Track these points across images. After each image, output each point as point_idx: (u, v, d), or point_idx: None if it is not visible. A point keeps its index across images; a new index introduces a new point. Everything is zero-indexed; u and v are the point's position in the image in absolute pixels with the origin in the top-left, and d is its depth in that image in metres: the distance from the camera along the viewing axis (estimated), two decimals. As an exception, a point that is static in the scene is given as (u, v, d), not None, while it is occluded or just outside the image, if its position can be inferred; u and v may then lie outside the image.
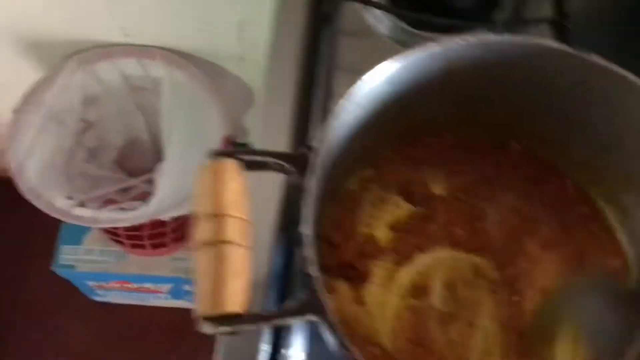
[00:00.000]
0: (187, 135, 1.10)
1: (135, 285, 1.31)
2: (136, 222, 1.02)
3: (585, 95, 0.49)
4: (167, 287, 1.31)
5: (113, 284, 1.31)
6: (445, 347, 0.49)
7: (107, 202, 1.17)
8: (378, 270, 0.51)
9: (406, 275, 0.51)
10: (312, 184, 0.41)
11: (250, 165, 0.42)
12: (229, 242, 0.38)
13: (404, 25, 0.67)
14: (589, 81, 0.47)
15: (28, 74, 1.14)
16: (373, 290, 0.50)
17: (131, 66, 1.14)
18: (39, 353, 1.35)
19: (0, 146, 1.07)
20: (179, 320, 1.26)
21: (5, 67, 1.17)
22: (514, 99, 0.52)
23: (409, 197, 0.54)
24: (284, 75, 0.63)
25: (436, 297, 0.50)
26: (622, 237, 0.53)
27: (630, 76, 0.45)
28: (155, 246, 1.19)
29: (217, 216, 0.39)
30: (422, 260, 0.52)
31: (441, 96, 0.51)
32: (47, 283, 1.31)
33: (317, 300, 0.38)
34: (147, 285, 1.31)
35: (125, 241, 1.20)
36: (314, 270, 0.38)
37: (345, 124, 0.46)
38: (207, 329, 0.37)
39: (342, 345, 0.37)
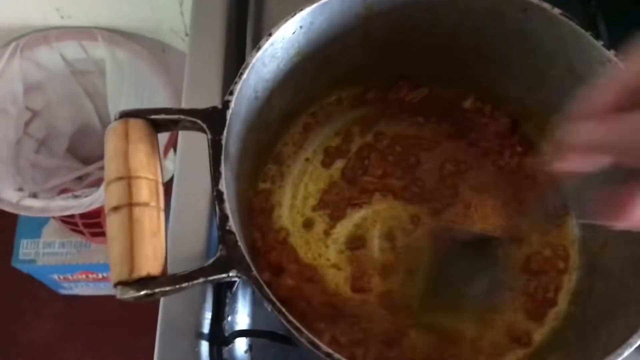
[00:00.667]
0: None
1: (100, 275, 1.28)
2: (88, 209, 1.00)
3: (510, 32, 0.48)
4: (133, 273, 1.29)
5: (78, 276, 1.28)
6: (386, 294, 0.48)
7: (63, 191, 1.14)
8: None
9: (342, 229, 0.50)
10: (227, 140, 0.39)
11: (163, 126, 0.40)
12: (139, 204, 0.36)
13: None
14: (508, 16, 0.46)
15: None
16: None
17: (72, 49, 1.10)
18: (6, 351, 1.32)
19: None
20: (149, 308, 1.24)
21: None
22: (440, 43, 0.51)
23: (339, 153, 0.53)
24: (210, 34, 0.61)
25: (375, 248, 0.50)
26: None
27: (543, 5, 0.44)
28: (94, 235, 1.17)
29: (126, 179, 0.37)
30: (358, 214, 0.51)
31: (362, 44, 0.50)
32: (10, 280, 1.28)
33: (238, 255, 0.36)
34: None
35: (84, 230, 1.17)
36: (231, 226, 0.37)
37: (262, 78, 0.44)
38: (122, 294, 0.35)
39: (268, 300, 0.36)
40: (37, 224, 1.23)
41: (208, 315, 0.50)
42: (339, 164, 0.53)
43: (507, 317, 0.48)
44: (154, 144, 0.39)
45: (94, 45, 1.09)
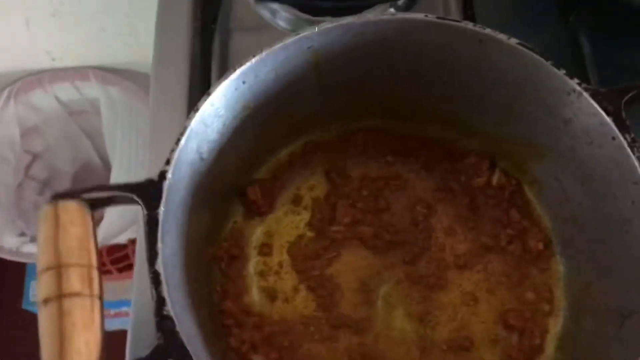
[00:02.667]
0: (132, 152, 1.07)
1: (112, 312, 1.29)
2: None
3: (468, 66, 0.45)
4: (145, 306, 1.29)
5: (91, 313, 1.28)
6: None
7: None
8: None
9: (312, 285, 0.48)
10: (163, 215, 0.37)
11: (97, 204, 0.38)
12: (70, 295, 0.35)
13: (301, 14, 0.63)
14: (464, 49, 0.43)
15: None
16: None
17: (65, 91, 1.11)
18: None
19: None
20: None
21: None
22: (399, 80, 0.48)
23: (299, 201, 0.50)
24: (172, 82, 0.59)
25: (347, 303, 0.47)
26: (541, 212, 0.49)
27: (499, 36, 0.41)
28: (121, 270, 1.16)
29: (55, 268, 0.35)
30: (329, 269, 0.48)
31: (317, 88, 0.47)
32: (22, 322, 1.28)
33: (176, 343, 0.34)
34: (125, 309, 1.28)
35: (110, 267, 1.17)
36: (169, 311, 0.35)
37: (205, 139, 0.42)
38: (54, 395, 0.33)
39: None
40: (47, 265, 1.23)
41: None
42: (305, 214, 0.50)
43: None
44: (88, 225, 0.38)
45: (87, 84, 1.09)
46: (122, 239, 1.05)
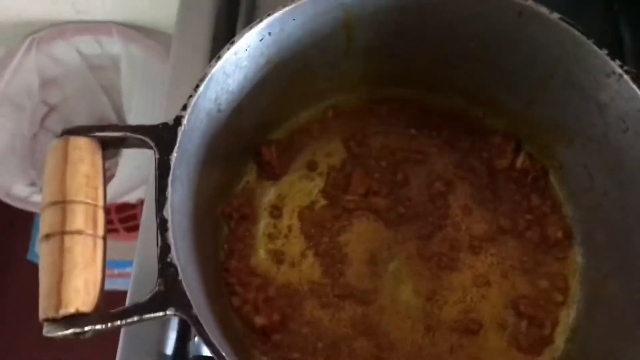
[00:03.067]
0: (149, 110, 1.06)
1: (116, 271, 1.28)
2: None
3: (504, 38, 0.43)
4: (150, 268, 1.29)
5: (95, 270, 1.29)
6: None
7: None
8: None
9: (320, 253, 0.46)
10: (175, 161, 0.36)
11: (108, 143, 0.37)
12: (72, 232, 0.33)
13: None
14: (502, 20, 0.41)
15: (-16, 59, 1.10)
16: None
17: (88, 44, 1.09)
18: (24, 343, 1.33)
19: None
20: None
21: (-42, 52, 1.13)
22: (430, 50, 0.47)
23: (314, 167, 0.49)
24: (196, 32, 0.57)
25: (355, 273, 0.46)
26: (563, 200, 0.48)
27: (540, 9, 0.39)
28: (129, 229, 1.16)
29: (60, 203, 0.34)
30: (338, 237, 0.47)
31: (345, 50, 0.46)
32: (27, 274, 1.28)
33: (177, 291, 0.33)
34: (129, 269, 1.28)
35: (119, 226, 1.16)
36: (173, 258, 0.34)
37: (225, 90, 0.41)
38: (49, 332, 0.32)
39: (206, 341, 0.33)
40: (55, 218, 1.23)
41: (173, 335, 0.47)
42: (319, 181, 0.49)
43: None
44: (97, 164, 0.36)
45: (110, 40, 1.08)
46: (132, 197, 1.04)
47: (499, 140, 0.49)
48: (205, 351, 0.47)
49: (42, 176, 0.36)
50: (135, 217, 1.14)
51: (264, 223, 0.48)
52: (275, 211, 0.48)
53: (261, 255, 0.47)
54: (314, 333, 0.44)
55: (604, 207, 0.44)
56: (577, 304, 0.45)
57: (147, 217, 0.51)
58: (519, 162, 0.48)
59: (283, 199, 0.48)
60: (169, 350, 0.47)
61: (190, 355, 0.47)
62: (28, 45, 1.06)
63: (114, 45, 1.07)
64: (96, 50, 1.10)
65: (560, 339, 0.44)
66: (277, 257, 0.46)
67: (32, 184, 1.07)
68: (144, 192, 1.03)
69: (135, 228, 1.17)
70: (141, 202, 1.09)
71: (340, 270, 0.46)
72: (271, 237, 0.47)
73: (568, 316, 0.45)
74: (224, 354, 0.32)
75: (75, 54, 1.10)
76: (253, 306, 0.44)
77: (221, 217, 0.47)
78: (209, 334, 0.33)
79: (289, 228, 0.47)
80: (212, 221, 0.46)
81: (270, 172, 0.48)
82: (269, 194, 0.48)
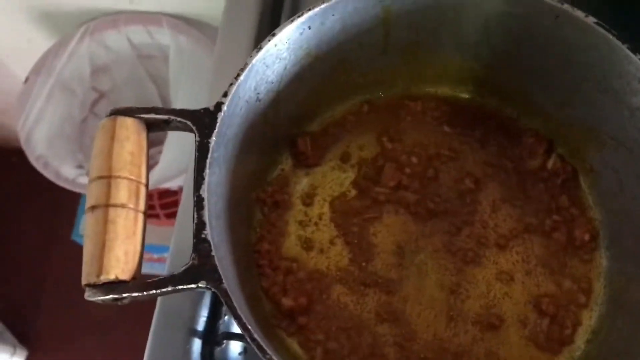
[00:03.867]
0: (194, 101, 1.09)
1: (156, 256, 1.32)
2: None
3: (540, 40, 0.44)
4: (187, 254, 1.32)
5: (135, 255, 1.32)
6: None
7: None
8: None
9: (349, 242, 0.48)
10: (217, 143, 0.38)
11: (154, 125, 0.40)
12: (116, 205, 0.36)
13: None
14: (538, 22, 0.42)
15: (40, 44, 1.15)
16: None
17: (138, 34, 1.13)
18: (65, 321, 1.38)
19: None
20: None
21: (19, 37, 1.18)
22: (466, 48, 0.48)
23: (347, 159, 0.50)
24: (242, 24, 0.59)
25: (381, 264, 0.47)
26: (592, 203, 0.48)
27: (577, 13, 0.40)
28: (168, 216, 1.19)
29: (107, 178, 0.37)
30: (367, 228, 0.48)
31: (383, 46, 0.47)
32: (71, 254, 1.34)
33: (210, 266, 0.35)
34: (167, 254, 1.31)
35: (160, 211, 1.20)
36: (207, 235, 0.36)
37: (264, 80, 0.43)
38: (90, 296, 0.35)
39: (234, 314, 0.35)
40: (99, 200, 1.27)
41: (205, 313, 0.49)
42: (351, 172, 0.50)
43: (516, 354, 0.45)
44: (142, 144, 0.39)
45: (159, 31, 1.11)
46: (174, 184, 1.07)
47: (532, 141, 0.49)
48: (235, 329, 0.49)
49: (92, 152, 0.38)
50: (175, 204, 1.18)
51: (296, 210, 0.49)
52: (308, 199, 0.49)
53: (292, 241, 0.48)
54: (339, 317, 0.46)
55: (633, 212, 0.44)
56: (600, 307, 0.46)
57: (186, 200, 0.53)
58: (550, 164, 0.49)
59: (315, 188, 0.50)
60: (200, 326, 0.49)
61: (220, 332, 0.49)
62: (82, 33, 1.10)
63: (164, 36, 1.10)
64: (146, 39, 1.13)
65: (580, 340, 0.45)
66: (307, 243, 0.48)
67: (80, 167, 1.11)
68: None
69: (175, 215, 1.20)
70: (182, 189, 1.13)
71: (368, 259, 0.47)
72: (302, 224, 0.49)
73: (590, 318, 0.45)
74: (249, 327, 0.34)
75: (126, 43, 1.13)
76: (281, 288, 0.46)
77: (255, 203, 0.49)
78: (237, 307, 0.35)
79: (320, 216, 0.49)
80: (246, 205, 0.48)
81: (304, 162, 0.50)
82: (302, 183, 0.50)
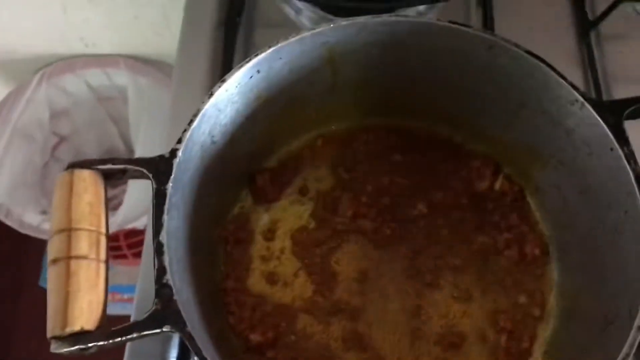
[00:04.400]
0: (156, 140, 1.09)
1: (126, 296, 1.31)
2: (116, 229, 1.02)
3: (479, 70, 0.46)
4: (158, 293, 1.31)
5: (104, 296, 1.31)
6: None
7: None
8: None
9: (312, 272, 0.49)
10: (174, 189, 0.39)
11: (110, 175, 0.41)
12: (77, 257, 0.37)
13: (324, 14, 0.65)
14: (474, 54, 0.45)
15: (-3, 93, 1.15)
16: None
17: (96, 77, 1.14)
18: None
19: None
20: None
21: (-28, 87, 1.18)
22: (411, 81, 0.50)
23: (305, 192, 0.52)
24: (195, 71, 0.61)
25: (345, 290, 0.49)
26: (540, 219, 0.51)
27: (507, 43, 0.43)
28: (136, 255, 1.19)
29: (67, 231, 0.37)
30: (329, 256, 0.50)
31: (331, 84, 0.49)
32: (39, 300, 1.32)
33: (172, 310, 0.36)
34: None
35: (127, 252, 1.19)
36: (168, 280, 0.37)
37: (218, 123, 0.44)
38: (56, 349, 0.35)
39: (199, 356, 0.36)
40: (65, 245, 1.26)
41: (174, 354, 0.50)
42: (310, 205, 0.52)
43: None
44: (100, 194, 0.40)
45: (117, 72, 1.12)
46: (140, 224, 1.07)
47: (478, 164, 0.52)
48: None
49: (50, 206, 0.39)
50: (142, 243, 1.17)
51: (258, 246, 0.51)
52: (269, 234, 0.51)
53: (256, 277, 0.50)
54: (307, 348, 0.47)
55: (577, 225, 0.47)
56: (554, 318, 0.48)
57: (149, 243, 0.54)
58: (498, 185, 0.51)
59: (276, 223, 0.51)
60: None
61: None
62: (39, 79, 1.11)
63: (122, 77, 1.11)
64: (104, 82, 1.14)
65: (537, 352, 0.47)
66: (272, 277, 0.49)
67: (43, 212, 1.10)
68: (151, 218, 1.06)
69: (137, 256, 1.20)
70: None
71: (331, 288, 0.49)
72: (265, 259, 0.50)
73: (546, 330, 0.47)
74: (213, 371, 0.35)
75: (84, 86, 1.14)
76: (249, 324, 0.47)
77: (217, 241, 0.50)
78: (202, 349, 0.36)
79: (282, 250, 0.50)
80: (208, 244, 0.49)
81: (264, 198, 0.52)
82: (263, 219, 0.51)
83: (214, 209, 0.49)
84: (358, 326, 0.47)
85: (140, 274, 0.53)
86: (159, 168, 0.40)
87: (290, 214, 0.52)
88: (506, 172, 0.52)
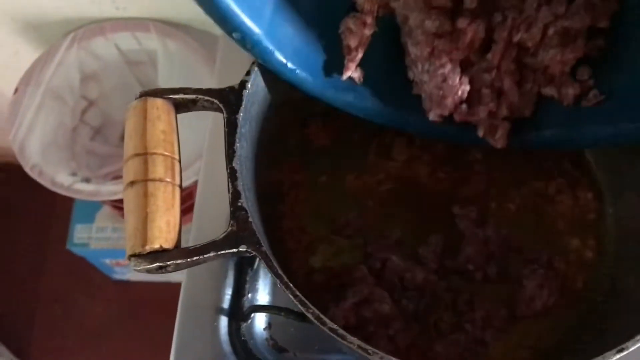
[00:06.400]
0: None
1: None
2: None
3: None
4: (181, 259, 1.33)
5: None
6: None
7: (116, 179, 1.19)
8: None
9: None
10: (243, 119, 0.40)
11: (182, 105, 0.41)
12: (154, 180, 0.37)
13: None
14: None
15: (27, 58, 1.15)
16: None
17: (126, 40, 1.14)
18: (60, 333, 1.38)
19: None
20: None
21: (5, 50, 1.19)
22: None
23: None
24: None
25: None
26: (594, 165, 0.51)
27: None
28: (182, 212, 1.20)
29: (143, 155, 0.38)
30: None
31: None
32: (66, 264, 1.34)
33: (248, 231, 0.37)
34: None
35: None
36: (243, 203, 0.38)
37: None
38: (136, 266, 0.36)
39: (276, 275, 0.36)
40: (91, 210, 1.28)
41: (229, 292, 0.51)
42: (361, 150, 0.52)
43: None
44: (172, 122, 0.40)
45: (147, 36, 1.12)
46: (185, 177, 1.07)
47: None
48: (261, 301, 0.51)
49: (125, 132, 0.40)
50: (189, 197, 1.18)
51: (312, 190, 0.51)
52: (323, 177, 0.51)
53: (312, 218, 0.50)
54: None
55: (631, 172, 0.47)
56: (607, 262, 0.48)
57: (204, 178, 0.55)
58: None
59: (330, 167, 0.52)
60: (226, 304, 0.51)
61: (246, 307, 0.51)
62: (69, 42, 1.11)
63: (151, 41, 1.11)
64: (134, 45, 1.14)
65: (591, 293, 0.47)
66: (327, 219, 0.50)
67: (74, 174, 1.11)
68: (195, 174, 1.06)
69: (189, 209, 1.20)
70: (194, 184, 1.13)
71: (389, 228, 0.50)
72: (320, 202, 0.51)
73: (598, 273, 0.48)
74: (291, 284, 0.36)
75: (114, 50, 1.14)
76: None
77: (276, 182, 0.50)
78: (277, 267, 0.36)
79: (336, 192, 0.51)
80: (268, 184, 0.49)
81: (318, 143, 0.52)
82: (316, 163, 0.52)
83: (272, 153, 0.50)
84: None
85: (195, 208, 0.54)
86: (229, 98, 0.41)
87: (343, 159, 0.52)
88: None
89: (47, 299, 1.40)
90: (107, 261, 1.33)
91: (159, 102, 0.40)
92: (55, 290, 1.41)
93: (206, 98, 0.41)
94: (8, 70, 1.15)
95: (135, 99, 0.41)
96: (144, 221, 0.36)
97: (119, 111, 1.24)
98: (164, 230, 0.37)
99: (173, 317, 0.50)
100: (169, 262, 0.36)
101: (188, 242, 0.54)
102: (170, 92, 0.41)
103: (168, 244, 0.37)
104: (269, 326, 0.52)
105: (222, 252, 0.37)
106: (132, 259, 0.36)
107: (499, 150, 0.51)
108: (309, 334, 0.51)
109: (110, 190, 1.04)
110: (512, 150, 0.51)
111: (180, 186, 0.39)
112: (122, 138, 1.26)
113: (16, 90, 1.09)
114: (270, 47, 0.40)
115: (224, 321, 0.50)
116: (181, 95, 0.41)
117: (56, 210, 1.42)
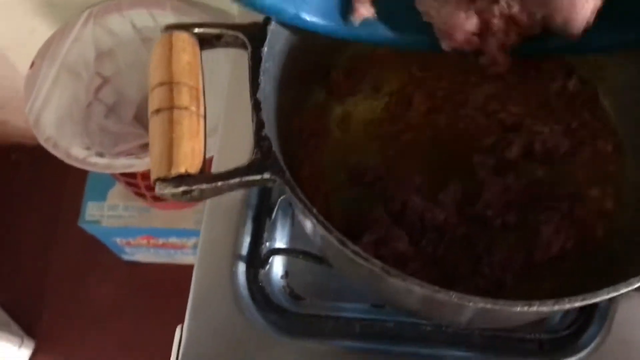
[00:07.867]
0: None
1: (160, 241, 1.33)
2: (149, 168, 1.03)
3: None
4: (192, 241, 1.33)
5: (139, 240, 1.33)
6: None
7: (129, 156, 1.19)
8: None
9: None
10: (267, 54, 0.40)
11: (206, 41, 0.42)
12: (180, 107, 0.38)
13: None
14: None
15: (43, 35, 1.16)
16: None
17: (141, 17, 1.15)
18: (69, 312, 1.38)
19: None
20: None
21: (21, 25, 1.20)
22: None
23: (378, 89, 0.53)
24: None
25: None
26: (614, 117, 0.51)
27: None
28: (156, 199, 1.20)
29: (168, 84, 0.38)
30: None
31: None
32: (78, 242, 1.34)
33: (272, 159, 0.37)
34: (173, 239, 1.32)
35: (146, 193, 1.21)
36: (266, 133, 0.38)
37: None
38: (161, 189, 0.36)
39: (300, 201, 0.36)
40: (104, 187, 1.29)
41: (247, 240, 0.51)
42: (382, 101, 0.52)
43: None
44: (197, 56, 0.41)
45: (163, 13, 1.13)
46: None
47: (551, 67, 0.52)
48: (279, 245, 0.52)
49: (150, 63, 0.40)
50: None
51: (332, 137, 0.51)
52: (342, 125, 0.52)
53: (330, 166, 0.50)
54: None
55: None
56: (626, 212, 0.48)
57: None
58: (571, 85, 0.52)
59: (350, 115, 0.52)
60: (244, 251, 0.51)
61: (264, 252, 0.51)
62: (85, 18, 1.12)
63: (167, 19, 1.12)
64: (149, 23, 1.15)
65: (611, 242, 0.47)
66: (345, 168, 0.50)
67: (88, 148, 1.12)
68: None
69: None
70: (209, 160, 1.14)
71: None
72: (338, 149, 0.51)
73: (618, 222, 0.48)
74: (314, 209, 0.36)
75: (130, 27, 1.15)
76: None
77: (295, 131, 0.51)
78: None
79: (355, 141, 0.51)
80: (287, 131, 0.50)
81: (338, 92, 0.52)
82: (337, 111, 0.52)
83: (292, 99, 0.50)
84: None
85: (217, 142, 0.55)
86: (253, 33, 0.41)
87: (363, 108, 0.53)
88: (580, 73, 0.52)
89: (57, 278, 1.41)
90: (118, 240, 1.33)
91: (184, 35, 0.41)
92: (65, 270, 1.41)
93: (230, 33, 0.41)
94: (24, 48, 1.16)
95: (161, 32, 0.41)
96: (170, 146, 0.37)
97: (132, 89, 1.25)
98: (189, 156, 0.37)
99: (183, 298, 0.50)
100: (193, 187, 0.36)
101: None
102: (195, 26, 0.41)
103: (193, 169, 0.37)
104: (286, 274, 0.53)
105: (246, 177, 0.37)
106: (157, 182, 0.36)
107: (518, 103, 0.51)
108: (325, 282, 0.51)
109: (124, 163, 1.05)
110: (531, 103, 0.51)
111: (205, 117, 0.39)
112: (136, 117, 1.27)
113: (32, 64, 1.09)
114: None
115: (242, 267, 0.51)
116: (205, 29, 0.41)
117: (68, 190, 1.42)
